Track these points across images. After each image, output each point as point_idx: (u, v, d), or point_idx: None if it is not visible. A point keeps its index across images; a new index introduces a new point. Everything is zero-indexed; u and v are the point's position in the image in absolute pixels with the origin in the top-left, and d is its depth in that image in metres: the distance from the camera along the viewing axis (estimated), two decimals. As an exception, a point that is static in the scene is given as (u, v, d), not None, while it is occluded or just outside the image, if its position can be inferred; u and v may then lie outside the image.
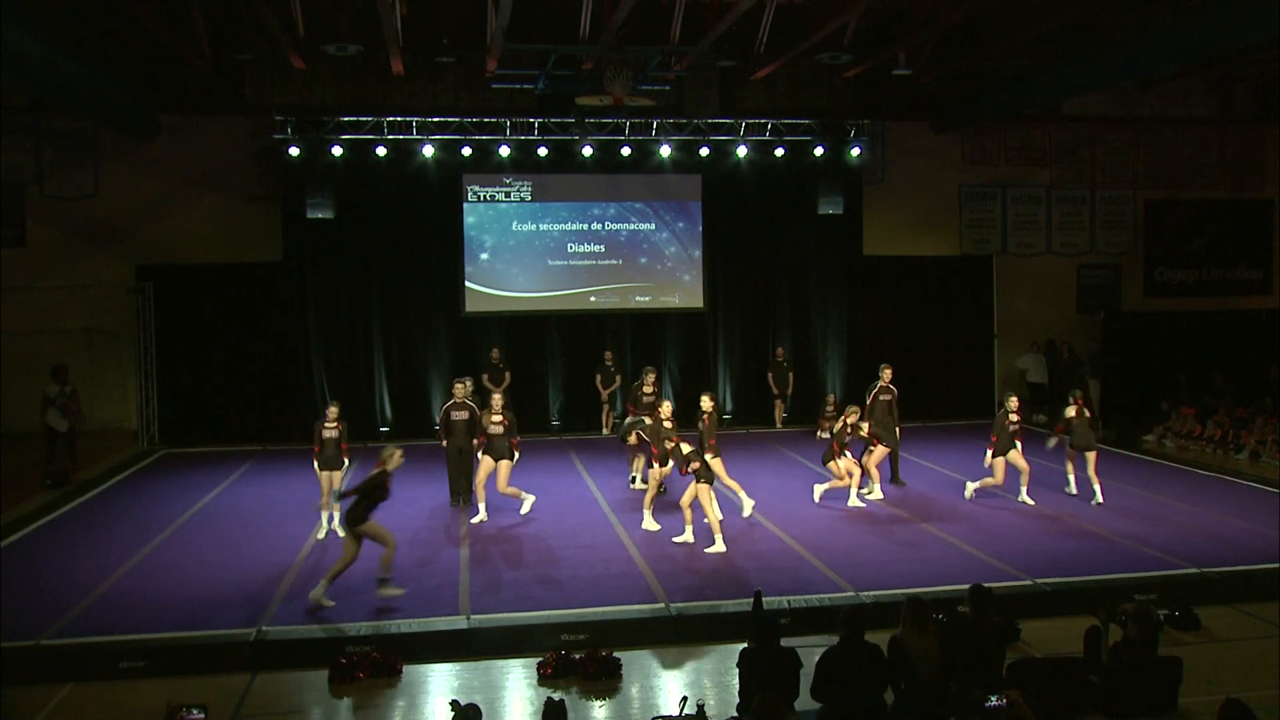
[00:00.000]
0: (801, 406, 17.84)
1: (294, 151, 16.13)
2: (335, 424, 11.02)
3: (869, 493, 12.24)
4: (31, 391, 14.33)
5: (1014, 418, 11.76)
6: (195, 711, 5.40)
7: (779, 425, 17.58)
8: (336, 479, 10.90)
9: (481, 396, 16.20)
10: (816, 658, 6.22)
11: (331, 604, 8.31)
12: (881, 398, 12.73)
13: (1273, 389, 16.75)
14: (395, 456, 8.87)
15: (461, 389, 11.99)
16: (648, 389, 13.27)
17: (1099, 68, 14.77)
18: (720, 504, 10.63)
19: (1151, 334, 18.19)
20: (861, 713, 5.95)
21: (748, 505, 11.37)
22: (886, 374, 12.91)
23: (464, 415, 11.86)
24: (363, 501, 8.53)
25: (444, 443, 12.09)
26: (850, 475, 11.87)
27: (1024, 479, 11.88)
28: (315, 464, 10.94)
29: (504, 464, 11.44)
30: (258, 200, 17.18)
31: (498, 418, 11.56)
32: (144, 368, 16.50)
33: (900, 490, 12.70)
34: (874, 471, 12.33)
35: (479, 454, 11.62)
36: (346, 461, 11.18)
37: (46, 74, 12.29)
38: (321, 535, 10.74)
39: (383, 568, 8.60)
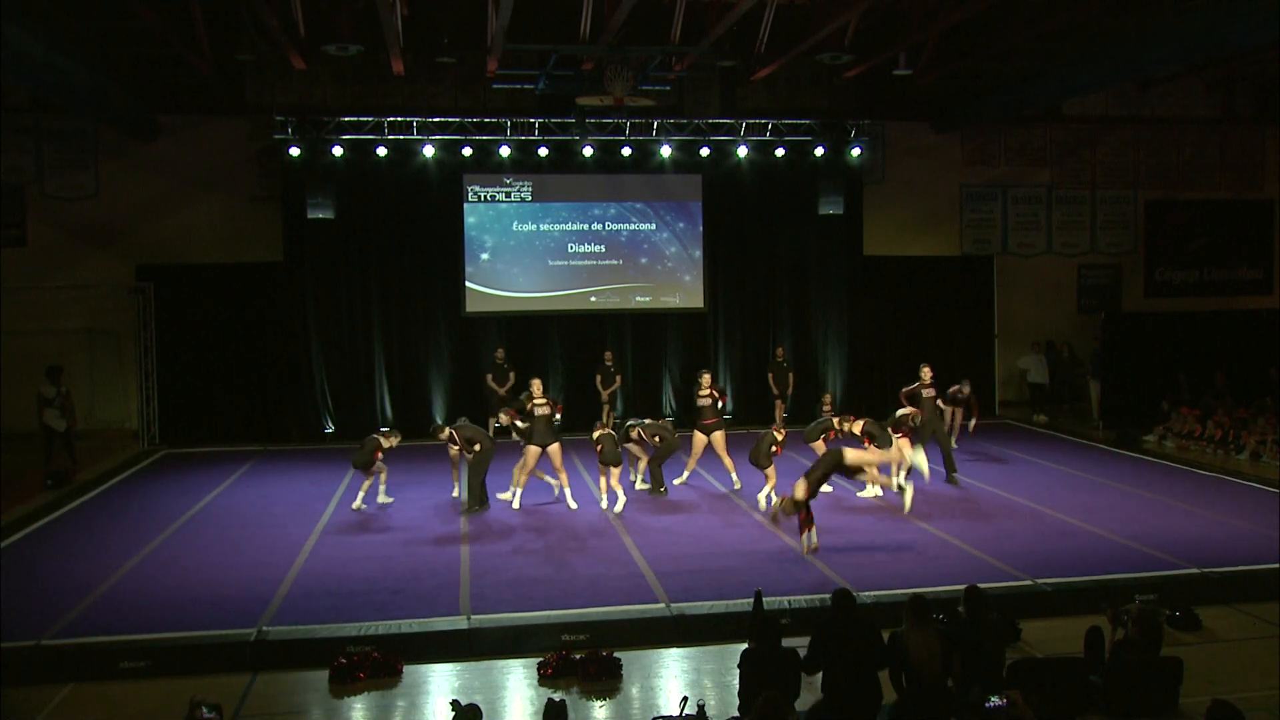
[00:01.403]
0: (802, 406, 17.83)
1: (294, 151, 16.14)
2: (545, 400, 11.71)
3: (864, 493, 12.26)
4: (32, 392, 14.32)
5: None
6: (209, 712, 5.40)
7: (778, 425, 17.51)
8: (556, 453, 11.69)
9: (487, 398, 16.25)
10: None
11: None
12: (925, 394, 12.97)
13: (1273, 389, 16.74)
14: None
15: (444, 433, 11.86)
16: (704, 392, 12.85)
17: (1099, 68, 14.77)
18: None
19: (1152, 334, 18.18)
20: (857, 698, 5.98)
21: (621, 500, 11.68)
22: (926, 373, 13.11)
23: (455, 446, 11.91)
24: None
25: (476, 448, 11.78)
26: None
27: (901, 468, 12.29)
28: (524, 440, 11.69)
29: (555, 447, 11.67)
30: (258, 200, 17.19)
31: (541, 400, 11.71)
32: (144, 368, 16.50)
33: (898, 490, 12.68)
34: (876, 475, 12.29)
35: (522, 442, 11.81)
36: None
37: (47, 74, 12.29)
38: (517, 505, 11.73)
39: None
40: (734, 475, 12.68)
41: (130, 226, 17.01)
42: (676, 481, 12.89)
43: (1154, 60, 13.97)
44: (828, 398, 16.81)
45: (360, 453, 11.75)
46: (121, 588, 9.07)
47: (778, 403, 17.59)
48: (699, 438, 12.70)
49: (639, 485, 12.84)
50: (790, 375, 17.54)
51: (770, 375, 17.61)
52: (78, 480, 13.64)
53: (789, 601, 8.26)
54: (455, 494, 12.34)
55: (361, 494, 11.96)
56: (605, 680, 7.21)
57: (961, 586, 7.00)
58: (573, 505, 11.72)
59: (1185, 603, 8.30)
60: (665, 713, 6.57)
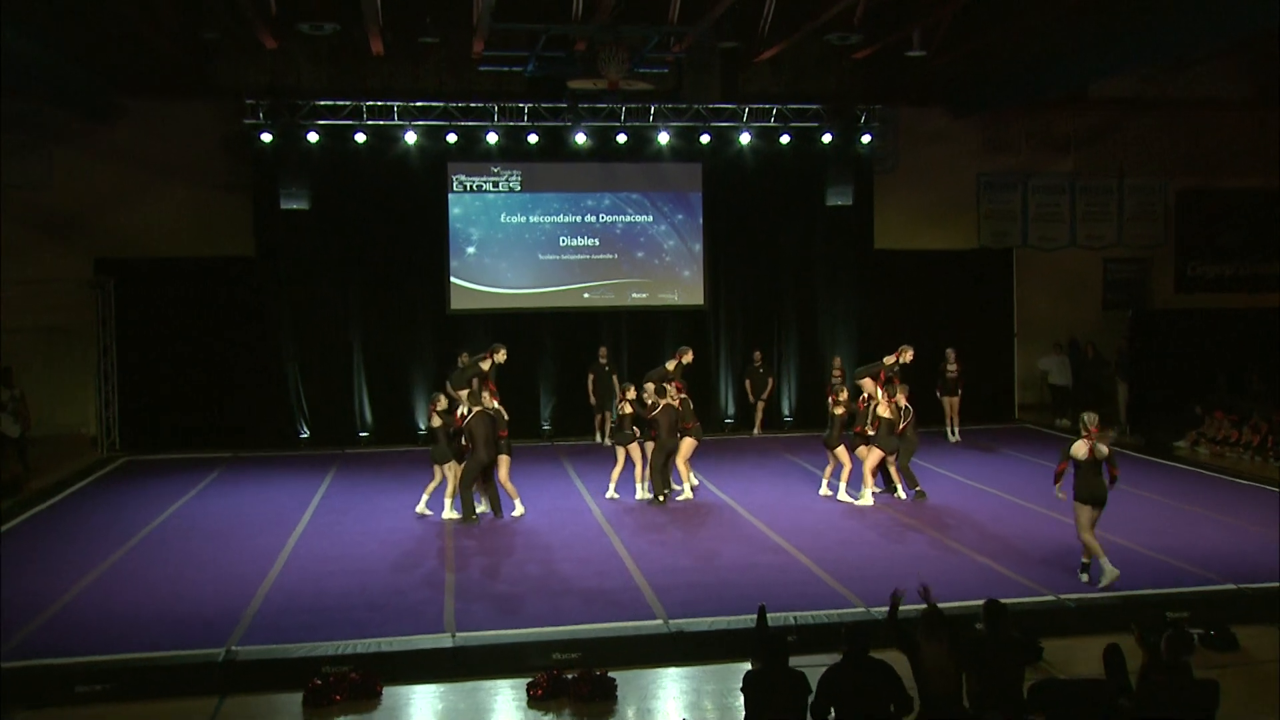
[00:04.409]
0: (803, 407, 17.89)
1: (266, 137, 16.13)
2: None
3: (862, 499, 12.31)
4: (-17, 395, 14.29)
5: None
6: None
7: (756, 432, 17.54)
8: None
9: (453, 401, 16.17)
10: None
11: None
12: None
13: (1312, 391, 16.78)
14: None
15: (439, 404, 12.01)
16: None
17: (1127, 48, 14.79)
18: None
19: (1183, 333, 18.18)
20: None
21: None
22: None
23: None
24: None
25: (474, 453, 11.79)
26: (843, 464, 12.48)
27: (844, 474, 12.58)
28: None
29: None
30: (227, 189, 17.14)
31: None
32: (104, 369, 16.48)
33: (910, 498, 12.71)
34: (868, 477, 12.36)
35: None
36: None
37: (-2, 52, 12.26)
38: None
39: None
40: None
41: (88, 217, 16.95)
42: (681, 498, 12.86)
43: (1185, 40, 14.00)
44: (837, 361, 16.65)
45: (436, 448, 11.86)
46: (78, 605, 9.04)
47: (759, 405, 17.55)
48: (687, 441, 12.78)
49: (640, 494, 12.86)
50: (770, 380, 17.61)
51: (747, 382, 17.67)
52: (31, 489, 13.61)
53: (794, 617, 8.26)
54: (441, 509, 12.04)
55: (449, 502, 11.89)
56: (599, 702, 7.21)
57: (978, 602, 7.00)
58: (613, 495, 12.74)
59: (1221, 621, 8.31)
60: (663, 737, 6.56)
